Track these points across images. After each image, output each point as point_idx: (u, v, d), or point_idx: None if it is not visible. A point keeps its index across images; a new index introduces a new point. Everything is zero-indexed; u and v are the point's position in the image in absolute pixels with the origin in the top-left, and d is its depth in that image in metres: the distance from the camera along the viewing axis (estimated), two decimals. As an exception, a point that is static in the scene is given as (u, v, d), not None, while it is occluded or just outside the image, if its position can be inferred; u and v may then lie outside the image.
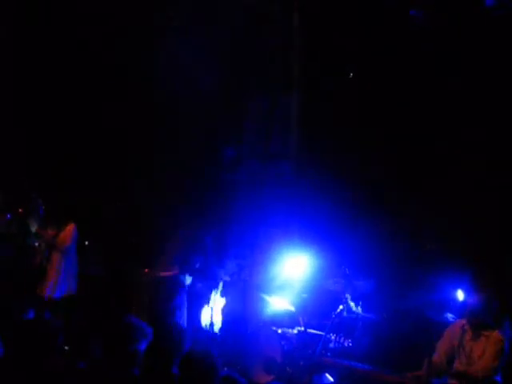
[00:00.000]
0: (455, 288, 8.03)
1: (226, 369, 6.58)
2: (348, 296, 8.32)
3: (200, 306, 8.83)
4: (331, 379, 7.51)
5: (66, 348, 5.30)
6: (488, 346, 6.25)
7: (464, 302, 6.66)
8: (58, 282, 8.31)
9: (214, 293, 8.86)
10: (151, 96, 10.01)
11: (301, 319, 8.34)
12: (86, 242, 9.58)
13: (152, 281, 8.70)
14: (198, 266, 8.81)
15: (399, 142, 9.68)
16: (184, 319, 8.61)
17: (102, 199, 9.95)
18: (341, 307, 8.21)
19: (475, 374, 6.19)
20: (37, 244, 8.81)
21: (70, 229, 8.47)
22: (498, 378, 6.31)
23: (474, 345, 6.32)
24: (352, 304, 8.31)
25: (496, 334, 6.30)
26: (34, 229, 8.67)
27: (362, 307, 8.39)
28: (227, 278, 9.04)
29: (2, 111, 9.48)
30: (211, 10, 9.84)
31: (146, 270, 8.81)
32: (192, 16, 9.92)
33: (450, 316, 7.85)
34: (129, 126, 9.95)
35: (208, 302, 8.83)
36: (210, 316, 8.75)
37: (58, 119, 9.90)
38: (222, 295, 8.91)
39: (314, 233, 9.35)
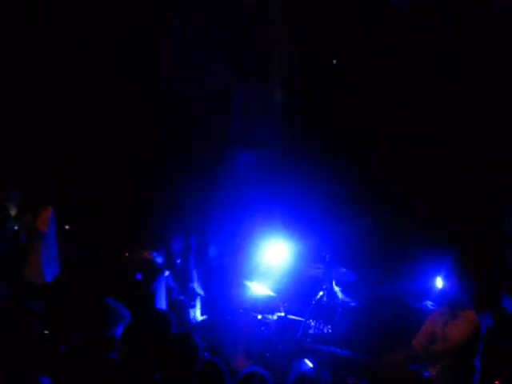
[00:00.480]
0: (435, 276, 8.09)
1: (206, 354, 6.60)
2: (329, 282, 8.37)
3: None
4: (310, 365, 7.55)
5: (46, 332, 5.29)
6: (463, 325, 6.34)
7: (443, 289, 6.75)
8: (43, 268, 8.24)
9: (192, 311, 8.89)
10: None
11: (281, 305, 8.38)
12: (67, 227, 9.52)
13: (133, 264, 8.69)
14: (176, 248, 8.82)
15: (385, 130, 9.70)
16: (163, 304, 8.61)
17: (85, 184, 9.86)
18: (321, 293, 8.25)
19: (449, 348, 6.27)
20: (16, 228, 8.73)
21: (47, 213, 8.38)
22: (477, 364, 6.39)
23: (452, 325, 6.40)
24: (335, 289, 8.37)
25: (472, 314, 6.40)
26: (13, 213, 8.58)
27: (341, 293, 8.44)
28: (201, 292, 9.05)
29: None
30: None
31: (127, 253, 8.80)
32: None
33: (429, 304, 7.92)
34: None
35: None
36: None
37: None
38: (201, 313, 8.96)
39: (296, 219, 9.37)
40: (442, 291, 6.74)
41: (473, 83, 9.11)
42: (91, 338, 4.69)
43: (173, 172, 9.89)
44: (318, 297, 8.26)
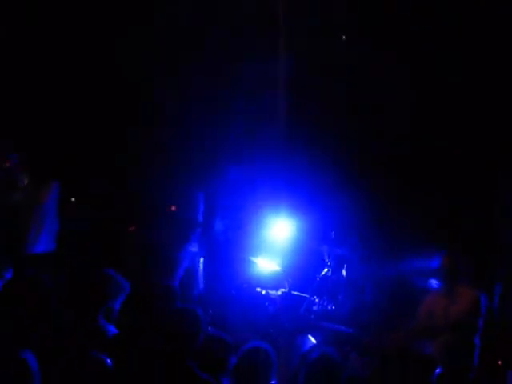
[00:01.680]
0: (440, 254, 8.09)
1: (209, 328, 6.62)
2: (333, 259, 8.39)
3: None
4: (314, 341, 7.58)
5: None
6: (462, 302, 6.36)
7: (441, 266, 6.76)
8: (38, 237, 8.23)
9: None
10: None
11: (285, 281, 8.39)
12: (73, 199, 9.52)
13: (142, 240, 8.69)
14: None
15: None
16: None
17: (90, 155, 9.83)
18: (325, 270, 8.27)
19: (449, 324, 6.29)
20: (21, 197, 8.72)
21: (51, 185, 8.36)
22: (477, 341, 6.41)
23: (452, 303, 6.41)
24: (340, 266, 8.39)
25: (470, 291, 6.41)
26: (22, 184, 8.57)
27: (346, 271, 8.45)
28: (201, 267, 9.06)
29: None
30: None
31: (132, 227, 8.80)
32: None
33: (434, 282, 7.92)
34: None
35: None
36: None
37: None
38: (203, 288, 8.98)
39: (303, 195, 9.35)
40: (441, 268, 6.74)
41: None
42: (91, 311, 4.67)
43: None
44: (323, 273, 8.27)
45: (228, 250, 9.20)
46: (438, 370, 4.92)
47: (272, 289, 8.43)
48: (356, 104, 9.78)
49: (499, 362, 7.45)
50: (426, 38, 9.24)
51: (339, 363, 4.72)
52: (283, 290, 8.30)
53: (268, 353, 4.82)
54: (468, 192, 9.17)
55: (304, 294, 8.20)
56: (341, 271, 8.44)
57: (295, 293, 8.25)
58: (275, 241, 8.91)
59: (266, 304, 8.23)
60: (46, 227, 8.31)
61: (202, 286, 9.00)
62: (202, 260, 9.04)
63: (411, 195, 9.43)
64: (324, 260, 8.40)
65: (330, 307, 8.20)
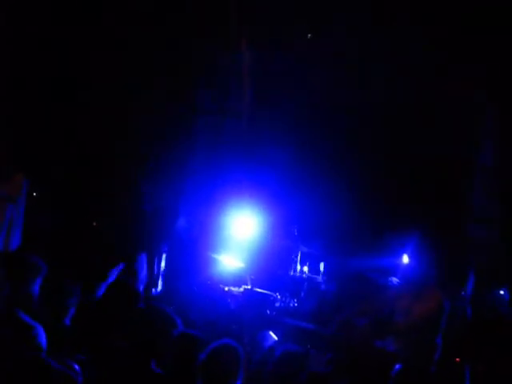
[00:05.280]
0: (401, 253, 8.17)
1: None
2: (296, 256, 8.44)
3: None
4: (275, 337, 7.60)
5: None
6: (426, 304, 6.39)
7: (408, 266, 6.79)
8: (9, 235, 8.11)
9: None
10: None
11: (248, 278, 8.42)
12: (34, 194, 9.40)
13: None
14: None
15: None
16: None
17: (54, 149, 9.69)
18: (289, 267, 8.33)
19: (411, 324, 6.32)
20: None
21: (19, 180, 8.25)
22: (438, 341, 6.48)
23: (416, 303, 6.45)
24: (302, 264, 8.43)
25: (435, 293, 6.45)
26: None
27: (308, 268, 8.50)
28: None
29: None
30: None
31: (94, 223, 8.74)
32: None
33: (394, 280, 8.00)
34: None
35: None
36: None
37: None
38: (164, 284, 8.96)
39: (267, 192, 9.36)
40: (407, 268, 6.77)
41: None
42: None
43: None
44: (285, 271, 8.32)
45: (191, 246, 9.19)
46: (397, 366, 4.96)
47: (234, 285, 8.46)
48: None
49: (457, 360, 7.54)
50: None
51: (303, 359, 4.71)
52: (245, 286, 8.33)
53: (236, 350, 4.80)
54: (434, 191, 9.29)
55: (266, 291, 8.24)
56: (303, 268, 8.50)
57: (257, 289, 8.29)
58: (238, 237, 8.93)
59: (229, 300, 8.25)
60: (16, 223, 8.19)
61: (164, 282, 8.98)
62: (164, 256, 9.03)
63: (376, 194, 9.52)
64: (288, 257, 8.46)
65: (291, 304, 8.25)
